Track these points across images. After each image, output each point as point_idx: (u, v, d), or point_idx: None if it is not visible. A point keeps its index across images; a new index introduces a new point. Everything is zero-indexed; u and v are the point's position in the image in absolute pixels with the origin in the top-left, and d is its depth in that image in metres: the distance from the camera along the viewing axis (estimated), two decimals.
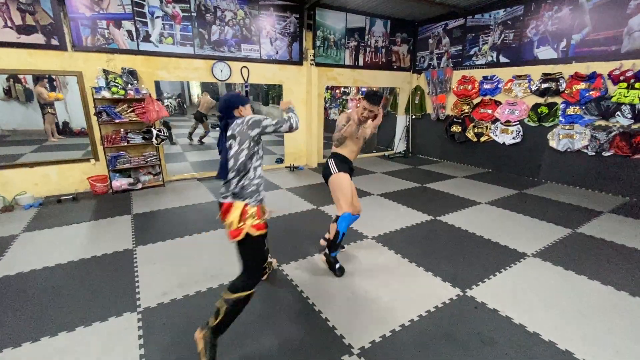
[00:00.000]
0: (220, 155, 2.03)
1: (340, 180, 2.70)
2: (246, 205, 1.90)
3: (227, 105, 2.00)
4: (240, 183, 1.91)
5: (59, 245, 3.26)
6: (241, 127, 1.91)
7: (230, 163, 1.93)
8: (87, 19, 4.44)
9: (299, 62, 6.29)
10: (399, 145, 8.18)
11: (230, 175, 1.92)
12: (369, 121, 2.85)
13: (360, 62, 6.99)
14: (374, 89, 9.01)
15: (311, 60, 6.32)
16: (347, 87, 10.33)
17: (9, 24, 4.07)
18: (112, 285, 2.60)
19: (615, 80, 4.61)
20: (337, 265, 2.79)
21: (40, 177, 4.64)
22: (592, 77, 4.84)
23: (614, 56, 4.64)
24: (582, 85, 4.94)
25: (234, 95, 2.05)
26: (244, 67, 5.72)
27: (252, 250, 1.94)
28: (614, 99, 4.61)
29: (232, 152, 1.92)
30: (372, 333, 2.10)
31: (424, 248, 3.27)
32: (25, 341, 2.02)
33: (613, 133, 4.72)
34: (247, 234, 1.87)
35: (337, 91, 10.91)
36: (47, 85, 5.72)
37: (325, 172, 2.81)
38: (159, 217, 4.00)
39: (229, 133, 1.96)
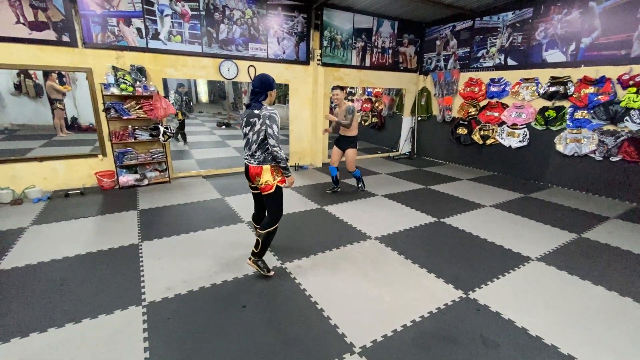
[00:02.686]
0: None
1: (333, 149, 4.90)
2: (271, 167, 2.58)
3: (267, 84, 2.53)
4: (263, 155, 2.55)
5: (67, 239, 3.31)
6: (265, 113, 2.46)
7: (254, 137, 2.52)
8: (98, 16, 4.50)
9: (306, 62, 6.31)
10: (404, 146, 8.17)
11: (254, 146, 2.54)
12: (342, 106, 4.58)
13: (367, 63, 6.99)
14: (380, 89, 9.01)
15: (318, 60, 6.34)
16: (353, 88, 10.33)
17: (22, 20, 4.14)
18: (118, 279, 2.64)
19: (625, 85, 4.57)
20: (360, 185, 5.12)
21: (49, 171, 4.72)
22: (601, 81, 4.79)
23: (624, 60, 4.60)
24: (591, 89, 4.89)
25: (270, 77, 2.57)
26: (251, 66, 5.75)
27: (278, 198, 2.66)
28: (622, 104, 4.56)
29: (255, 129, 2.50)
30: (374, 332, 2.11)
31: (428, 249, 3.27)
32: (32, 331, 2.06)
33: (621, 138, 4.67)
34: (276, 186, 2.60)
35: (344, 91, 10.91)
36: (57, 80, 5.80)
37: None
38: (164, 213, 4.05)
39: (256, 111, 2.49)
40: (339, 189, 5.07)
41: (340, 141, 4.78)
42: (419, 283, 2.69)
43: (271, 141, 2.47)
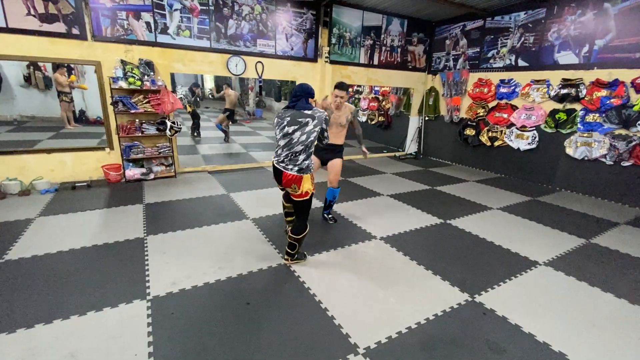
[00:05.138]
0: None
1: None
2: (311, 176, 2.60)
3: (308, 91, 2.56)
4: (307, 162, 2.54)
5: (73, 231, 3.33)
6: (320, 115, 2.50)
7: (302, 138, 2.47)
8: (108, 9, 4.50)
9: (314, 59, 6.27)
10: (411, 146, 8.11)
11: (299, 147, 2.48)
12: (343, 109, 3.55)
13: (375, 61, 6.94)
14: (387, 88, 8.95)
15: (326, 57, 6.30)
16: (360, 86, 10.28)
17: (32, 12, 4.15)
18: (123, 272, 2.65)
19: (638, 89, 4.48)
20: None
21: (56, 163, 4.75)
22: (614, 84, 4.70)
23: (638, 63, 4.50)
24: (603, 93, 4.80)
25: (312, 88, 2.60)
26: (259, 62, 5.73)
27: (309, 203, 2.68)
28: (636, 108, 4.48)
29: (307, 129, 2.46)
30: (378, 333, 2.09)
31: (433, 251, 3.23)
32: (38, 322, 2.07)
33: (633, 143, 4.59)
34: (311, 193, 2.63)
35: (350, 90, 10.87)
36: (66, 73, 5.83)
37: None
38: (170, 208, 4.06)
39: (307, 112, 2.49)
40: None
41: (322, 150, 3.57)
42: (425, 285, 2.66)
43: (325, 141, 2.74)
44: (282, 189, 2.85)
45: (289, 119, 2.50)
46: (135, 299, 2.33)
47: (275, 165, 2.63)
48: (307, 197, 2.61)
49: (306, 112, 2.49)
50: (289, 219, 3.13)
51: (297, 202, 2.64)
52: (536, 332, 2.16)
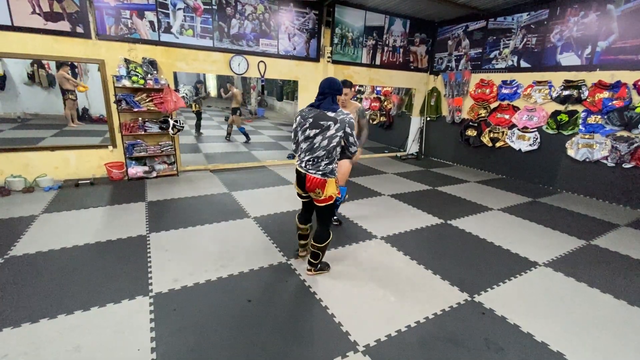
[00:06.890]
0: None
1: None
2: (335, 180, 2.47)
3: (335, 87, 2.33)
4: (330, 166, 2.39)
5: (76, 228, 3.36)
6: (344, 117, 2.29)
7: (324, 143, 2.31)
8: (112, 8, 4.53)
9: (316, 59, 6.29)
10: (412, 146, 8.12)
11: (321, 152, 2.33)
12: (349, 107, 3.47)
13: (377, 61, 6.95)
14: (389, 88, 8.96)
15: (328, 57, 6.32)
16: (362, 86, 10.28)
17: (37, 10, 4.19)
18: (126, 269, 2.68)
19: None
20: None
21: (60, 160, 4.78)
22: (616, 86, 4.70)
23: None
24: (606, 94, 4.80)
25: (339, 81, 2.38)
26: (261, 61, 5.75)
27: (332, 208, 2.56)
28: (638, 110, 4.48)
29: (328, 133, 2.29)
30: (377, 331, 2.11)
31: (433, 251, 3.25)
32: (42, 317, 2.10)
33: (635, 145, 4.59)
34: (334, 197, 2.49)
35: (353, 89, 10.86)
36: (69, 71, 5.86)
37: None
38: (172, 206, 4.08)
39: (330, 114, 2.29)
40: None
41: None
42: (424, 284, 2.68)
43: (353, 148, 2.40)
44: (303, 197, 2.62)
45: (311, 120, 2.32)
46: (138, 295, 2.35)
47: (298, 168, 2.48)
48: (331, 202, 2.48)
49: (329, 113, 2.28)
50: (301, 242, 2.87)
51: (320, 207, 2.50)
52: (535, 332, 2.18)
